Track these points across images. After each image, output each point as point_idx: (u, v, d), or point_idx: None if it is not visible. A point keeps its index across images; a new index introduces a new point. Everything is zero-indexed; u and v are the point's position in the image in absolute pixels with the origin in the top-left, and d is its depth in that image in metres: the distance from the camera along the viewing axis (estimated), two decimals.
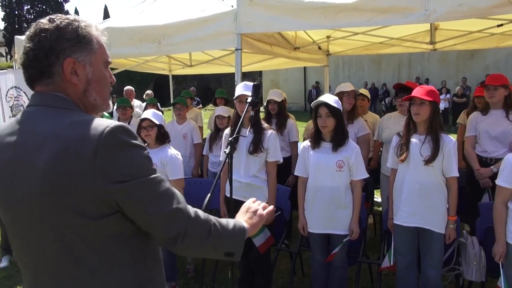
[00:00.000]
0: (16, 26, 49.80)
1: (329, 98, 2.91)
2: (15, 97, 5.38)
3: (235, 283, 3.63)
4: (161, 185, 1.14)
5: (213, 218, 1.24)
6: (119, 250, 1.16)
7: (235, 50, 3.93)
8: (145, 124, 3.33)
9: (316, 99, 3.05)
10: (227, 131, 3.33)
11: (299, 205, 3.12)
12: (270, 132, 3.16)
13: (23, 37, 5.19)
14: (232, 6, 4.07)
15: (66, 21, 1.17)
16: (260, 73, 24.31)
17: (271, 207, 1.48)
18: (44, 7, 51.11)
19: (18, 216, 1.16)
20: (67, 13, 52.54)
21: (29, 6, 51.01)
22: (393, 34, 5.54)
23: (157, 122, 3.33)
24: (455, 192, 2.77)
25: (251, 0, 3.75)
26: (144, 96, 9.71)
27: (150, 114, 3.36)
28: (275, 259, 3.58)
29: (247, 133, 3.09)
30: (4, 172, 1.15)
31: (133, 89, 7.88)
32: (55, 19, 1.17)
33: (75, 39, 1.17)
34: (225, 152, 2.31)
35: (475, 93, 4.65)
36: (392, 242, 2.97)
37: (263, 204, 1.46)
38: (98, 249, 1.13)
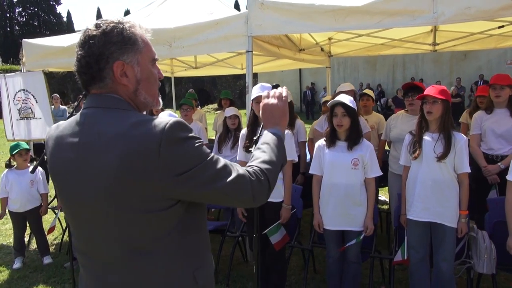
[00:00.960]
0: (8, 29, 49.43)
1: (345, 98, 3.00)
2: (23, 100, 5.42)
3: (252, 279, 3.71)
4: (218, 162, 1.22)
5: (259, 162, 1.32)
6: (178, 239, 1.24)
7: (246, 52, 4.01)
8: None
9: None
10: (243, 131, 3.41)
11: (314, 203, 3.20)
12: (285, 132, 3.24)
13: (31, 40, 5.26)
14: (233, 8, 4.16)
15: (111, 25, 1.22)
16: (255, 74, 24.44)
17: (285, 88, 1.58)
18: (36, 9, 50.82)
19: (83, 212, 1.23)
20: (59, 15, 52.36)
21: (20, 9, 50.69)
22: (394, 35, 5.66)
23: None
24: (467, 188, 2.88)
25: (262, 4, 3.84)
26: None
27: (167, 115, 3.43)
28: (289, 256, 3.66)
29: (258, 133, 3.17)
30: (69, 170, 1.22)
31: None
32: (101, 25, 1.22)
33: (121, 42, 1.21)
34: (250, 151, 2.38)
35: (477, 93, 4.79)
36: (405, 237, 3.07)
37: (278, 90, 1.54)
38: (159, 240, 1.21)
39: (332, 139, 3.06)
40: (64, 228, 4.91)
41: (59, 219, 4.88)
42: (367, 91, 4.99)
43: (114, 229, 1.19)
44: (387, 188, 4.72)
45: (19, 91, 5.40)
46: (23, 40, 5.32)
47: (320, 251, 4.17)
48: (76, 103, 3.63)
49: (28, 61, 5.28)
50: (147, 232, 1.19)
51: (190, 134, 1.20)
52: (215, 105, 24.82)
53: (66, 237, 4.87)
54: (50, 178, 1.65)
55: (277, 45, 4.81)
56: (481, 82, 18.28)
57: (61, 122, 1.35)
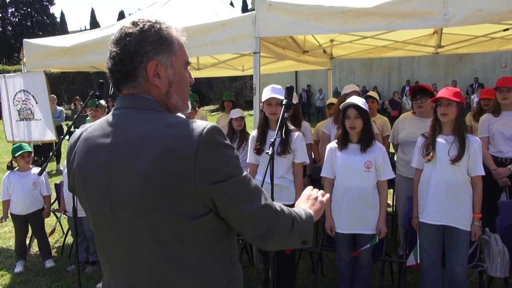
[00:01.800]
0: (0, 29, 49.00)
1: (357, 100, 2.98)
2: (23, 101, 5.34)
3: (259, 283, 3.67)
4: (251, 183, 1.18)
5: (291, 210, 1.29)
6: (210, 249, 1.19)
7: (254, 53, 3.98)
8: None
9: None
10: (254, 133, 3.37)
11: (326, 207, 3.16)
12: (297, 134, 3.22)
13: (32, 40, 5.18)
14: (233, 6, 4.12)
15: (149, 24, 1.19)
16: (251, 76, 24.40)
17: (327, 195, 1.51)
18: (29, 9, 50.44)
19: (114, 216, 1.17)
20: (52, 16, 51.97)
21: (13, 9, 50.27)
22: (396, 37, 5.67)
23: None
24: (480, 190, 2.87)
25: (270, 5, 3.82)
26: None
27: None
28: (298, 259, 3.63)
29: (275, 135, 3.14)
30: (100, 172, 1.17)
31: None
32: (138, 23, 1.18)
33: (157, 42, 1.18)
34: (267, 153, 2.35)
35: (481, 95, 4.80)
36: (418, 240, 3.05)
37: (321, 191, 1.50)
38: (192, 248, 1.16)
39: (344, 142, 3.04)
40: (66, 231, 4.83)
41: (60, 222, 4.81)
42: (372, 93, 4.97)
43: (147, 235, 1.14)
44: (390, 190, 4.71)
45: (19, 91, 5.32)
46: (24, 40, 5.25)
47: (326, 254, 4.14)
48: (84, 104, 3.57)
49: (28, 61, 5.20)
50: (181, 239, 1.14)
51: (227, 142, 1.16)
52: (211, 107, 24.78)
53: (68, 240, 4.80)
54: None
55: (283, 46, 4.79)
56: (476, 85, 18.44)
57: (88, 124, 1.31)
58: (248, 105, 17.65)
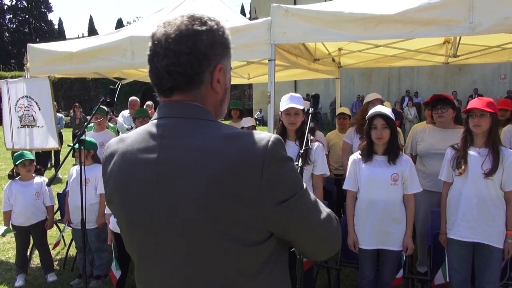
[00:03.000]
0: None
1: (384, 109, 2.85)
2: (25, 107, 5.17)
3: None
4: (311, 194, 1.06)
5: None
6: (269, 277, 1.04)
7: (269, 61, 3.84)
8: None
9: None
10: None
11: (349, 221, 3.02)
12: (317, 145, 3.08)
13: (36, 45, 5.03)
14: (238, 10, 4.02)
15: (213, 22, 1.04)
16: (250, 84, 24.35)
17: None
18: (27, 16, 50.37)
19: (160, 242, 1.01)
20: (50, 23, 51.90)
21: (11, 15, 50.17)
22: (408, 46, 5.57)
23: None
24: None
25: (287, 11, 3.70)
26: (144, 106, 9.52)
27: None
28: (316, 275, 3.47)
29: (294, 145, 3.00)
30: (145, 192, 1.01)
31: (138, 99, 7.70)
32: (206, 21, 1.03)
33: (223, 44, 1.06)
34: (296, 165, 2.20)
35: (498, 106, 4.67)
36: (446, 257, 2.90)
37: None
38: (251, 278, 1.01)
39: (369, 153, 2.90)
40: (68, 242, 4.64)
41: (60, 231, 4.63)
42: (387, 103, 4.84)
43: (199, 265, 0.99)
44: None
45: (22, 97, 5.15)
46: (28, 44, 5.09)
47: (343, 269, 3.97)
48: (95, 110, 3.42)
49: (32, 66, 5.03)
50: (238, 269, 0.99)
51: (288, 154, 1.02)
52: None
53: (70, 253, 4.60)
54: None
55: (296, 54, 4.67)
56: (476, 96, 18.46)
57: (124, 135, 1.12)
58: (248, 114, 17.56)
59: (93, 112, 3.41)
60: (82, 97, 26.38)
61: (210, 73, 1.03)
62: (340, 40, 4.62)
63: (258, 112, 23.78)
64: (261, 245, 0.99)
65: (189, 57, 1.00)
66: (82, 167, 3.22)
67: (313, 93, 2.64)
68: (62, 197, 4.61)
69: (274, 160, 0.96)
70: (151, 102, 9.55)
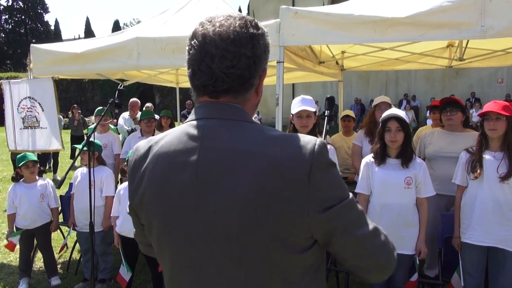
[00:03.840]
0: None
1: (398, 111, 2.83)
2: (28, 108, 5.12)
3: None
4: (356, 204, 1.02)
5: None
6: (307, 285, 1.01)
7: (277, 63, 3.82)
8: None
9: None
10: None
11: None
12: (328, 147, 3.05)
13: (39, 46, 4.98)
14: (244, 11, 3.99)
15: (262, 26, 1.04)
16: None
17: None
18: (23, 17, 50.09)
19: (199, 251, 0.98)
20: (47, 24, 51.64)
21: (7, 16, 49.88)
22: (413, 50, 5.57)
23: None
24: None
25: (296, 13, 3.68)
26: (144, 108, 9.48)
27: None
28: (326, 279, 3.43)
29: None
30: (184, 197, 0.97)
31: (138, 101, 7.66)
32: (258, 25, 1.02)
33: (269, 49, 1.07)
34: None
35: None
36: (460, 261, 2.89)
37: None
38: (291, 284, 0.98)
39: (382, 156, 2.87)
40: (72, 246, 4.58)
41: (63, 234, 4.57)
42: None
43: (240, 275, 0.95)
44: None
45: (25, 98, 5.10)
46: (31, 45, 5.04)
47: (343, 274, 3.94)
48: (96, 118, 3.38)
49: (35, 67, 4.98)
50: (281, 278, 0.96)
51: (332, 160, 0.99)
52: None
53: (74, 256, 4.54)
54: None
55: (302, 56, 4.66)
56: (473, 100, 18.56)
57: (155, 137, 1.09)
58: None
59: (102, 114, 3.36)
60: (78, 99, 26.23)
61: (259, 77, 1.04)
62: (350, 43, 4.61)
63: (256, 115, 23.79)
64: (305, 252, 0.97)
65: (249, 60, 0.99)
66: (91, 169, 3.17)
67: (328, 96, 2.62)
68: (65, 200, 4.56)
69: (321, 165, 0.94)
70: (150, 104, 9.51)
